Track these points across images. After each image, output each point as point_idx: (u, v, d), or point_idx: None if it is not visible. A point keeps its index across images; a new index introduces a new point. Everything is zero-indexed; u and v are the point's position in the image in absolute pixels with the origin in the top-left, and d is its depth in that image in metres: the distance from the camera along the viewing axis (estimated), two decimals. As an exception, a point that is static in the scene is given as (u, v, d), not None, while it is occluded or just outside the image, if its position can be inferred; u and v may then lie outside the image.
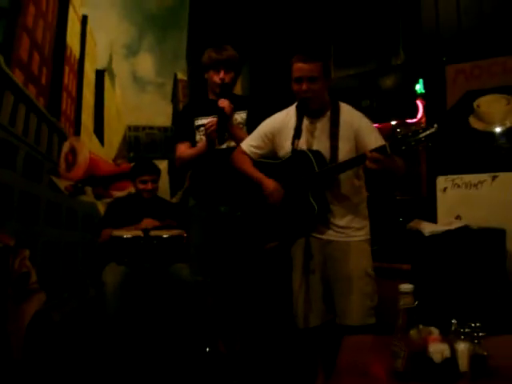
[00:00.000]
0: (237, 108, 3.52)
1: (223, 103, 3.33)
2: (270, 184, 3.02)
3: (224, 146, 3.48)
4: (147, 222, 4.08)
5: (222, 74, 3.51)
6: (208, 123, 3.36)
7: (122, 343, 3.70)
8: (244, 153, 3.21)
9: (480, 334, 1.91)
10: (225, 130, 3.35)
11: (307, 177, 2.92)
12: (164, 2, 5.56)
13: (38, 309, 3.78)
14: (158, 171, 4.36)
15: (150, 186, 4.26)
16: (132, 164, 4.81)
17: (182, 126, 3.68)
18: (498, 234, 3.71)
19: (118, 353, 3.66)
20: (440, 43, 4.79)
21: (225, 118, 3.31)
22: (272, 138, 3.14)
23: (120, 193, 4.93)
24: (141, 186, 4.25)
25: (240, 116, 3.58)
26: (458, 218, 4.04)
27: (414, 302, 1.93)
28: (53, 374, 3.42)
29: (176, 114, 5.44)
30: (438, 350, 1.85)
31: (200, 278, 3.58)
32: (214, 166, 3.50)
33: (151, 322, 3.84)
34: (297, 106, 3.05)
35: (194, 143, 3.58)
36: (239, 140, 3.35)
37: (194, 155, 3.54)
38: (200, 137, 3.53)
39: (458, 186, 4.17)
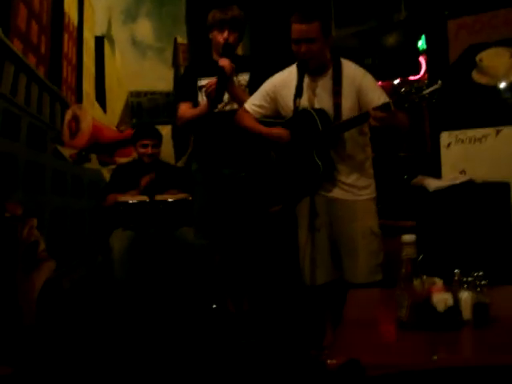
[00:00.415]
0: (239, 69, 3.51)
1: (224, 62, 3.31)
2: (276, 130, 3.02)
3: (227, 108, 3.48)
4: (145, 179, 4.09)
5: (225, 34, 3.48)
6: (208, 83, 3.35)
7: (131, 307, 3.75)
8: (247, 112, 3.20)
9: (483, 282, 1.93)
10: (224, 89, 3.34)
11: (311, 136, 2.91)
12: (162, -34, 5.51)
13: (48, 277, 3.81)
14: (159, 136, 4.36)
15: (150, 150, 4.26)
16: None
17: (184, 86, 3.68)
18: (503, 187, 3.72)
19: (127, 317, 3.71)
20: (441, -3, 4.73)
21: (225, 78, 3.29)
22: (274, 97, 3.13)
23: (124, 159, 4.94)
24: (141, 151, 4.26)
25: (243, 78, 3.56)
26: (462, 172, 4.04)
27: (418, 254, 1.95)
28: (64, 341, 3.47)
29: (178, 76, 5.42)
30: (441, 298, 1.86)
31: (204, 242, 3.61)
32: (216, 128, 3.51)
33: (159, 285, 3.89)
34: (297, 66, 3.02)
35: (196, 103, 3.57)
36: (240, 101, 3.34)
37: (196, 115, 3.54)
38: (202, 97, 3.52)
39: (462, 141, 4.16)
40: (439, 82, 2.64)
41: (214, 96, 3.33)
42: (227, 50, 3.45)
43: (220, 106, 3.49)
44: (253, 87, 3.41)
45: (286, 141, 2.98)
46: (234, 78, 3.49)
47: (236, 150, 3.46)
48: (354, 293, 2.44)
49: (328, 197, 3.05)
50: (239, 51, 4.02)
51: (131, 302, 3.76)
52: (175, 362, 3.18)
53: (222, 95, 3.36)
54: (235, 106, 3.45)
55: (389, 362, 1.61)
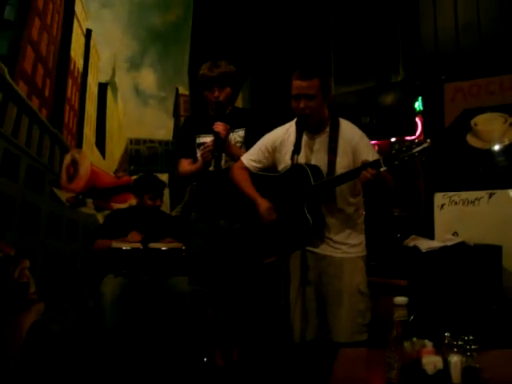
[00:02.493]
0: (235, 126, 3.56)
1: (218, 127, 3.35)
2: (262, 205, 3.04)
3: (224, 165, 3.52)
4: (133, 235, 4.09)
5: (216, 93, 3.54)
6: (205, 145, 3.42)
7: (120, 354, 3.71)
8: (244, 167, 3.24)
9: (473, 346, 1.94)
10: (222, 151, 3.38)
11: (303, 190, 2.95)
12: (167, 18, 5.62)
13: (36, 319, 3.77)
14: (164, 185, 4.41)
15: (159, 201, 4.30)
16: (133, 177, 4.84)
17: (183, 143, 3.72)
18: (495, 250, 3.73)
19: (116, 364, 3.67)
20: (439, 62, 4.86)
21: (220, 142, 3.33)
22: (272, 152, 3.17)
23: (120, 205, 4.95)
24: (149, 203, 4.27)
25: (238, 134, 3.60)
26: (455, 234, 4.07)
27: (410, 315, 1.96)
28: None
29: (178, 129, 5.48)
30: (431, 361, 1.88)
31: (199, 288, 3.61)
32: (214, 183, 3.54)
33: (149, 334, 3.85)
34: (296, 122, 3.07)
35: (195, 159, 3.62)
36: (236, 158, 3.39)
37: (193, 172, 3.60)
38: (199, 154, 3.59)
39: (456, 203, 4.21)
40: (428, 141, 2.69)
41: (209, 158, 3.37)
42: (218, 109, 3.51)
43: (207, 140, 3.53)
44: (248, 143, 3.47)
45: (269, 221, 3.02)
46: (230, 135, 3.54)
47: (231, 204, 3.49)
48: (344, 351, 2.43)
49: (317, 253, 3.07)
50: (239, 103, 4.07)
51: (120, 348, 3.72)
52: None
53: (220, 157, 3.38)
54: (232, 163, 3.49)
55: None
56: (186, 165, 3.65)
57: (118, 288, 3.86)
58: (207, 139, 3.49)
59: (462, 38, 4.74)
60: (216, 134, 3.33)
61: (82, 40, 4.96)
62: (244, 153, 3.38)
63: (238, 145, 3.57)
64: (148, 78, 5.50)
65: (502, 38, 4.50)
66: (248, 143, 3.48)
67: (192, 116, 4.10)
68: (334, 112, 3.13)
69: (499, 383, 1.95)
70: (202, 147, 3.48)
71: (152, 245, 4.02)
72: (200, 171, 3.54)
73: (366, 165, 2.76)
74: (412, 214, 4.87)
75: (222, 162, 3.46)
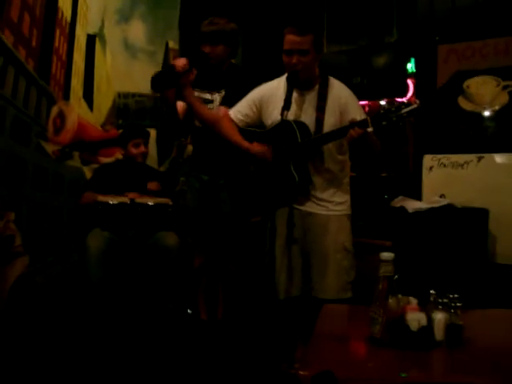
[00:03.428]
0: (222, 86, 3.52)
1: (177, 61, 3.21)
2: (257, 147, 3.02)
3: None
4: (132, 195, 4.06)
5: (207, 49, 3.50)
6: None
7: (104, 308, 3.72)
8: (231, 120, 3.20)
9: (457, 304, 1.95)
10: (169, 85, 3.26)
11: (289, 147, 2.93)
12: (158, -31, 5.52)
13: (21, 272, 3.76)
14: (148, 134, 4.37)
15: (143, 148, 4.26)
16: (120, 131, 4.79)
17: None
18: (482, 213, 3.77)
19: (100, 318, 3.68)
20: (433, 23, 4.80)
21: (172, 74, 3.18)
22: (260, 107, 3.15)
23: (107, 159, 4.90)
24: (134, 150, 4.23)
25: (220, 96, 3.57)
26: (442, 196, 4.09)
27: (395, 274, 1.96)
28: (34, 338, 3.43)
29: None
30: (415, 318, 1.89)
31: (188, 240, 3.62)
32: (197, 140, 3.52)
33: (134, 288, 3.86)
34: (287, 78, 3.04)
35: None
36: (193, 107, 3.30)
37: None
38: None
39: (444, 166, 4.22)
40: (417, 101, 2.69)
41: (155, 85, 3.25)
42: (199, 58, 3.43)
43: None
44: (227, 102, 3.42)
45: (266, 158, 2.98)
46: (216, 95, 3.54)
47: (216, 159, 3.46)
48: (327, 307, 2.45)
49: (302, 210, 3.07)
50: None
51: (105, 302, 3.73)
52: (145, 366, 3.16)
53: (164, 87, 3.29)
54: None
55: (360, 376, 1.62)
56: (179, 107, 3.58)
57: (104, 242, 3.86)
58: (201, 95, 3.44)
59: (457, -1, 4.68)
60: (170, 66, 3.23)
61: (71, -11, 4.83)
62: (199, 103, 3.34)
63: (216, 104, 3.54)
64: (137, 31, 5.40)
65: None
66: (227, 102, 3.43)
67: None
68: (325, 71, 3.10)
69: (482, 341, 1.97)
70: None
71: (139, 199, 3.99)
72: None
73: (353, 124, 2.76)
74: (400, 176, 4.88)
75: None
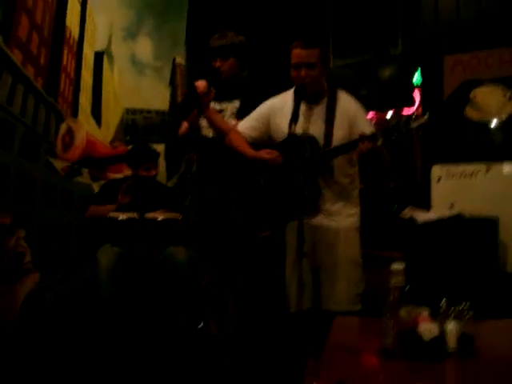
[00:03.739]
0: (233, 96, 3.54)
1: (199, 83, 3.21)
2: (265, 154, 3.01)
3: (211, 135, 3.50)
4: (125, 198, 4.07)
5: (218, 63, 3.51)
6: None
7: (115, 324, 3.72)
8: (239, 133, 3.21)
9: (469, 314, 1.95)
10: (192, 106, 3.25)
11: (299, 160, 2.93)
12: (164, -14, 5.56)
13: (31, 288, 3.77)
14: (158, 156, 4.37)
15: (154, 171, 4.27)
16: (129, 147, 4.81)
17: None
18: (491, 223, 3.74)
19: (111, 333, 3.67)
20: (438, 33, 4.81)
21: (194, 96, 3.20)
22: (268, 121, 3.15)
23: (116, 175, 4.93)
24: (144, 173, 4.24)
25: (234, 105, 3.58)
26: (451, 206, 4.07)
27: (406, 285, 1.96)
28: (44, 353, 3.43)
29: (175, 95, 5.46)
30: (426, 328, 1.88)
31: (198, 255, 3.62)
32: (211, 151, 3.53)
33: (144, 304, 3.86)
34: (294, 91, 3.05)
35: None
36: (216, 127, 3.33)
37: (183, 134, 3.57)
38: (202, 120, 3.54)
39: (453, 176, 4.20)
40: (426, 115, 2.68)
41: (178, 111, 3.30)
42: (211, 74, 3.44)
43: (206, 131, 3.51)
44: (242, 114, 3.41)
45: (277, 162, 2.98)
46: (228, 105, 3.53)
47: (225, 172, 3.47)
48: (339, 319, 2.44)
49: (312, 223, 3.06)
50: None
51: (116, 318, 3.73)
52: (157, 381, 3.15)
53: (188, 113, 3.31)
54: None
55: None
56: (184, 126, 3.61)
57: (114, 258, 3.85)
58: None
59: (462, 9, 4.69)
60: (193, 88, 3.25)
61: (78, 8, 4.89)
62: (222, 120, 3.36)
63: (234, 116, 3.54)
64: (144, 48, 5.46)
65: (502, 9, 4.46)
66: (241, 114, 3.44)
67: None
68: (333, 83, 3.11)
69: (494, 351, 1.96)
70: None
71: (148, 215, 4.00)
72: (191, 133, 3.50)
73: (363, 137, 2.75)
74: (409, 187, 4.87)
75: (209, 130, 3.44)
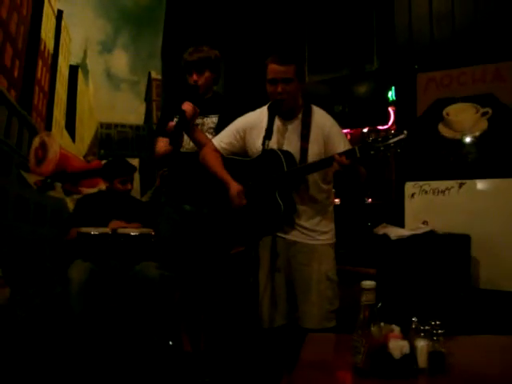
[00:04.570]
0: (209, 111, 3.53)
1: (186, 106, 3.28)
2: (233, 188, 2.98)
3: (190, 148, 3.50)
4: (114, 224, 4.04)
5: (194, 77, 3.52)
6: (169, 125, 3.36)
7: (87, 340, 3.67)
8: (215, 149, 3.20)
9: (439, 331, 1.95)
10: (183, 131, 3.31)
11: (276, 176, 2.93)
12: (140, 0, 5.55)
13: (1, 304, 3.72)
14: (135, 170, 4.36)
15: (129, 186, 4.26)
16: (103, 161, 4.78)
17: (163, 122, 3.67)
18: (464, 239, 3.78)
19: (82, 349, 3.63)
20: (413, 52, 4.86)
21: (184, 121, 3.25)
22: (243, 136, 3.15)
23: (90, 189, 4.89)
24: (120, 187, 4.22)
25: (211, 120, 3.57)
26: (425, 223, 4.11)
27: (378, 302, 1.96)
28: (15, 370, 3.37)
29: (150, 110, 5.45)
30: (397, 346, 1.87)
31: (167, 274, 3.59)
32: (184, 166, 3.52)
33: (116, 319, 3.82)
34: (268, 107, 3.06)
35: None
36: (200, 145, 3.33)
37: (166, 152, 3.55)
38: None
39: (426, 192, 4.24)
40: (405, 132, 2.69)
41: (172, 137, 3.30)
42: (192, 92, 3.46)
43: (186, 146, 3.50)
44: (220, 129, 3.41)
45: (239, 205, 2.96)
46: (204, 120, 3.53)
47: (200, 187, 3.46)
48: (311, 336, 2.43)
49: (286, 239, 3.06)
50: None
51: (87, 334, 3.68)
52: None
53: (181, 137, 3.35)
54: None
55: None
56: (161, 145, 3.59)
57: (86, 273, 3.81)
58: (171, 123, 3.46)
59: (435, 28, 4.75)
60: (182, 113, 3.28)
61: (53, 21, 4.86)
62: (208, 139, 3.35)
63: (210, 131, 3.54)
64: (120, 62, 5.43)
65: (475, 28, 4.52)
66: (219, 130, 3.44)
67: (173, 97, 4.06)
68: (308, 100, 3.12)
69: (465, 368, 1.96)
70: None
71: (121, 230, 3.97)
72: (171, 152, 3.49)
73: (341, 153, 2.75)
74: (383, 203, 4.90)
75: (186, 143, 3.44)
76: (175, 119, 3.40)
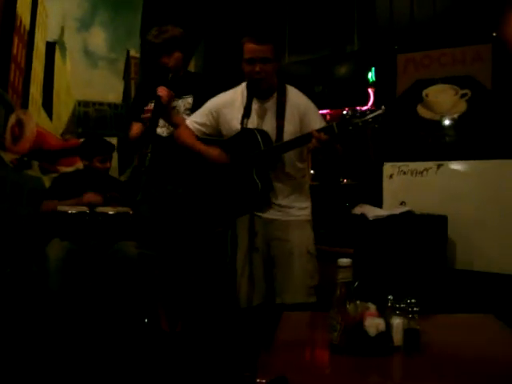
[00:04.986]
0: (184, 92, 3.52)
1: (161, 92, 3.28)
2: (213, 152, 3.06)
3: (166, 132, 3.49)
4: (89, 196, 4.02)
5: (164, 59, 3.49)
6: (146, 111, 3.34)
7: (64, 319, 3.66)
8: (188, 129, 3.20)
9: (415, 309, 1.97)
10: (160, 116, 3.33)
11: (253, 154, 2.93)
12: (119, -24, 5.48)
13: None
14: (114, 149, 4.34)
15: (108, 164, 4.23)
16: (81, 140, 4.74)
17: (136, 107, 3.66)
18: (441, 220, 3.81)
19: (60, 329, 3.61)
20: (393, 33, 4.87)
21: (160, 107, 3.27)
22: (217, 116, 3.15)
23: (67, 168, 4.85)
24: (99, 165, 4.19)
25: (187, 101, 3.56)
26: (402, 203, 4.13)
27: (355, 281, 1.97)
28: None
29: (128, 88, 5.41)
30: (373, 323, 1.89)
31: (146, 252, 3.59)
32: (166, 148, 3.51)
33: (94, 298, 3.80)
34: (247, 86, 3.05)
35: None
36: (177, 127, 3.33)
37: (138, 136, 3.54)
38: None
39: (404, 173, 4.27)
40: (383, 107, 2.69)
41: (150, 122, 3.30)
42: (163, 75, 3.43)
43: (160, 130, 3.49)
44: (196, 110, 3.42)
45: (223, 162, 3.01)
46: (179, 102, 3.53)
47: (178, 168, 3.45)
48: (287, 315, 2.44)
49: (264, 218, 3.08)
50: (192, 68, 4.01)
51: (64, 313, 3.67)
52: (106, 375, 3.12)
53: (157, 121, 3.35)
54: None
55: (317, 382, 1.61)
56: (136, 129, 3.59)
57: (64, 252, 3.80)
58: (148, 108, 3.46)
59: (416, 9, 4.75)
60: (157, 99, 3.27)
61: (29, -4, 4.77)
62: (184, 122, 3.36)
63: (187, 112, 3.52)
64: (98, 39, 5.35)
65: (456, 10, 4.52)
66: (195, 110, 3.43)
67: (146, 81, 4.03)
68: (285, 80, 3.11)
69: (439, 346, 1.98)
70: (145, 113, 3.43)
71: (99, 209, 3.95)
72: (145, 136, 3.47)
73: (319, 129, 2.75)
74: (361, 184, 4.91)
75: (163, 129, 3.43)
76: (150, 104, 3.40)
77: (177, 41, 3.51)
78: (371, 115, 2.67)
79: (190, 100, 3.56)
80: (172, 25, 3.56)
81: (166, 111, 3.32)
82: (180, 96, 3.52)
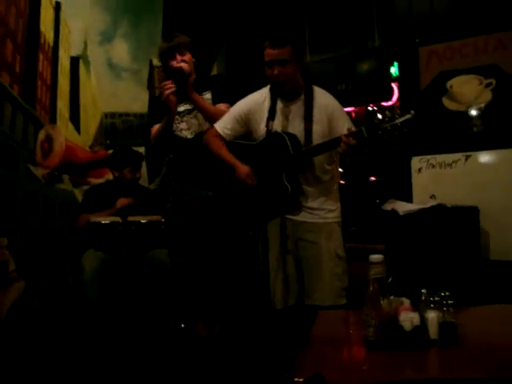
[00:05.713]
0: (202, 89, 3.55)
1: (180, 64, 3.34)
2: (242, 170, 3.02)
3: (190, 136, 3.52)
4: (122, 201, 4.07)
5: (178, 58, 3.51)
6: (164, 85, 3.36)
7: (102, 329, 3.71)
8: (218, 135, 3.21)
9: (449, 302, 1.96)
10: (184, 89, 3.37)
11: (282, 158, 2.94)
12: (138, -12, 5.55)
13: (16, 297, 3.75)
14: (142, 158, 4.38)
15: (139, 174, 4.28)
16: (109, 151, 4.79)
17: (156, 110, 3.69)
18: (472, 211, 3.78)
19: (98, 339, 3.66)
20: (413, 25, 4.84)
21: (183, 77, 3.33)
22: (246, 120, 3.15)
23: (97, 180, 4.91)
24: (129, 176, 4.23)
25: (206, 97, 3.57)
26: (432, 197, 4.11)
27: (388, 277, 1.97)
28: (31, 363, 3.41)
29: (152, 99, 5.45)
30: (407, 318, 1.89)
31: (181, 261, 3.62)
32: (190, 152, 3.53)
33: (131, 307, 3.85)
34: (270, 89, 3.06)
35: None
36: (201, 107, 3.42)
37: (162, 127, 3.54)
38: (176, 125, 3.55)
39: (433, 166, 4.24)
40: (412, 112, 2.66)
41: (174, 100, 3.33)
42: (178, 76, 3.44)
43: (185, 133, 3.52)
44: (216, 103, 3.48)
45: (246, 182, 3.00)
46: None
47: (209, 172, 3.47)
48: (322, 313, 2.45)
49: (294, 220, 3.07)
50: (214, 73, 4.03)
51: (103, 322, 3.71)
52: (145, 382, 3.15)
53: (183, 96, 3.39)
54: (200, 128, 3.49)
55: (353, 378, 1.62)
56: (155, 129, 3.60)
57: (98, 262, 3.84)
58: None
59: (435, 0, 4.72)
60: (179, 70, 3.33)
61: (52, 13, 4.86)
62: (202, 100, 3.42)
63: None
64: (121, 51, 5.42)
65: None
66: (215, 103, 3.48)
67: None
68: (308, 80, 3.11)
69: (477, 338, 1.97)
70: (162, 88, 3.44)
71: (131, 218, 3.99)
72: (166, 128, 3.50)
73: (348, 134, 2.74)
74: (390, 179, 4.89)
75: (187, 132, 3.47)
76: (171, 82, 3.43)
77: (188, 45, 3.56)
78: (400, 120, 2.64)
79: (208, 96, 3.58)
80: (178, 32, 3.61)
81: (187, 82, 3.36)
82: (199, 93, 3.54)
